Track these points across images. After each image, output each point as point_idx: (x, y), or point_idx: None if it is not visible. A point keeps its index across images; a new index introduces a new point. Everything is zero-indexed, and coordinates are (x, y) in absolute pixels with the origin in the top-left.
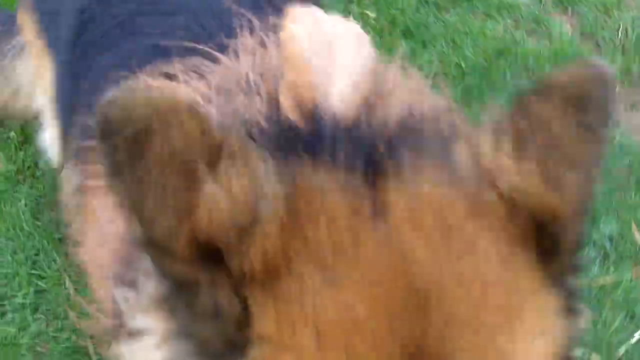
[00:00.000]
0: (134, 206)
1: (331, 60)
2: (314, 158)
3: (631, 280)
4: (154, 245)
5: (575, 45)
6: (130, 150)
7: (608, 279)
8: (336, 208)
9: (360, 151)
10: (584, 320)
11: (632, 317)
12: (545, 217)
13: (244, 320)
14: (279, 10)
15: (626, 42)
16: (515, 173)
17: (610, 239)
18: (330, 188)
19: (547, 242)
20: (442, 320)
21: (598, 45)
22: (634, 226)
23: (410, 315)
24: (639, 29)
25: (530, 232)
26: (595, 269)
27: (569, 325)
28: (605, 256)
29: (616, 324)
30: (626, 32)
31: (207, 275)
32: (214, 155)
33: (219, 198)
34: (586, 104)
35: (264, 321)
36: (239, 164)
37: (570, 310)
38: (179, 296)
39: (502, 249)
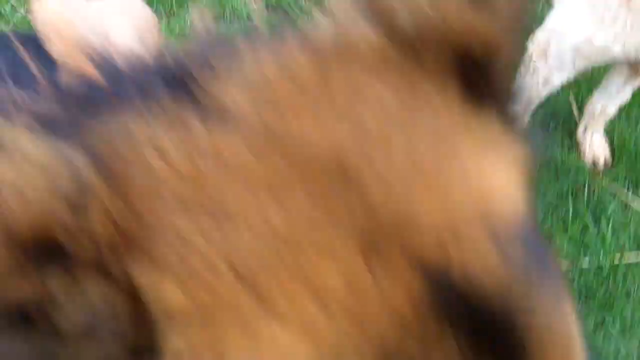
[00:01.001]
0: None
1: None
2: (122, 102)
3: None
4: None
5: None
6: None
7: None
8: (162, 138)
9: (168, 78)
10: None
11: None
12: (472, 46)
13: (138, 309)
14: None
15: None
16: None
17: None
18: (146, 124)
19: (476, 76)
20: (380, 191)
21: None
22: None
23: (338, 202)
24: None
25: (453, 69)
26: None
27: (514, 147)
28: None
29: None
30: None
31: (58, 280)
32: None
33: (26, 174)
34: None
35: (165, 294)
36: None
37: (512, 133)
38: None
39: (419, 94)
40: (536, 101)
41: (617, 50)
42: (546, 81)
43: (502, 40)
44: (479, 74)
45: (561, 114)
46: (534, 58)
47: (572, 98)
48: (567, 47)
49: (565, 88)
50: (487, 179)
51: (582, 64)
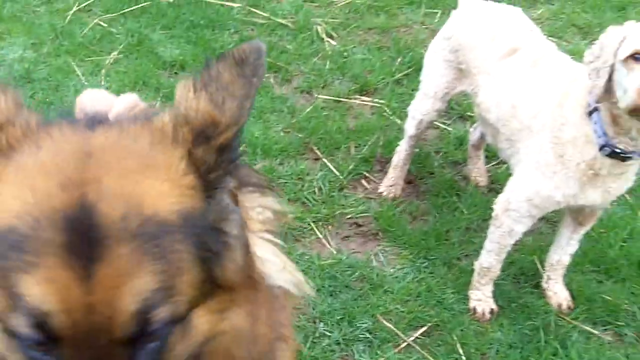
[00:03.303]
0: None
1: (109, 104)
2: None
3: None
4: None
5: None
6: None
7: None
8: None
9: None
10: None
11: None
12: (207, 125)
13: None
14: None
15: None
16: (192, 101)
17: None
18: None
19: (205, 142)
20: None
21: None
22: None
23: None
24: None
25: (187, 136)
26: None
27: (207, 201)
28: None
29: None
30: None
31: None
32: None
33: None
34: (245, 63)
35: None
36: None
37: (210, 196)
38: None
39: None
40: (505, 250)
41: (559, 197)
42: (511, 232)
43: (225, 125)
44: (208, 139)
45: (530, 271)
46: (499, 215)
47: (536, 259)
48: (522, 200)
49: (531, 251)
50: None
51: (536, 212)
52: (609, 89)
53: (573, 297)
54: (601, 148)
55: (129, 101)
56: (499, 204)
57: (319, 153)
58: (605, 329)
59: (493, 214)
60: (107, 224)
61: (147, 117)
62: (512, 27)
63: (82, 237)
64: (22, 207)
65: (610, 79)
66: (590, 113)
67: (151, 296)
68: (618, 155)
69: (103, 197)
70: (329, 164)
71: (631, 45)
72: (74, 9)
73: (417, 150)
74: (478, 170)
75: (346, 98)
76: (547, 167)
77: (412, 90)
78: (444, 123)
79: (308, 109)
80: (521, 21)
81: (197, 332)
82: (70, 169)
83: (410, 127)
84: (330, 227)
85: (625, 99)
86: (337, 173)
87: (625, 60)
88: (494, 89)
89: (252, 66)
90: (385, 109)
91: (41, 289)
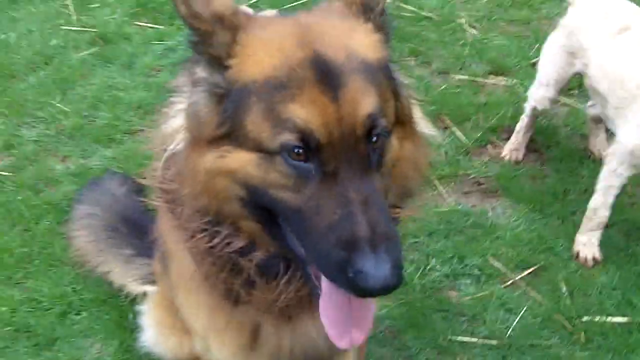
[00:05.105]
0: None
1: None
2: None
3: None
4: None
5: None
6: None
7: None
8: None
9: None
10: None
11: None
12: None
13: (231, 45)
14: None
15: None
16: None
17: None
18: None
19: (371, 10)
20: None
21: None
22: None
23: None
24: None
25: (360, 8)
26: None
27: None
28: None
29: None
30: None
31: (216, 27)
32: None
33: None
34: None
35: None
36: None
37: (386, 34)
38: (201, 49)
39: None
40: (612, 192)
41: None
42: (616, 171)
43: None
44: (369, 7)
45: None
46: (609, 156)
47: None
48: (626, 151)
49: None
50: (352, 40)
51: (636, 163)
52: None
53: None
54: None
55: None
56: (610, 149)
57: (448, 121)
58: None
59: (604, 154)
60: (338, 63)
61: (322, 5)
62: (624, 7)
63: (327, 73)
64: (277, 61)
65: None
66: None
67: (375, 109)
68: None
69: (329, 48)
70: (457, 131)
71: None
72: None
73: (545, 122)
74: (600, 142)
75: (481, 78)
76: None
77: None
78: (573, 99)
79: (442, 87)
80: (631, 3)
81: (393, 149)
82: (298, 35)
83: (527, 109)
84: (452, 184)
85: None
86: (464, 139)
87: None
88: (604, 63)
89: None
90: (519, 87)
91: (306, 110)
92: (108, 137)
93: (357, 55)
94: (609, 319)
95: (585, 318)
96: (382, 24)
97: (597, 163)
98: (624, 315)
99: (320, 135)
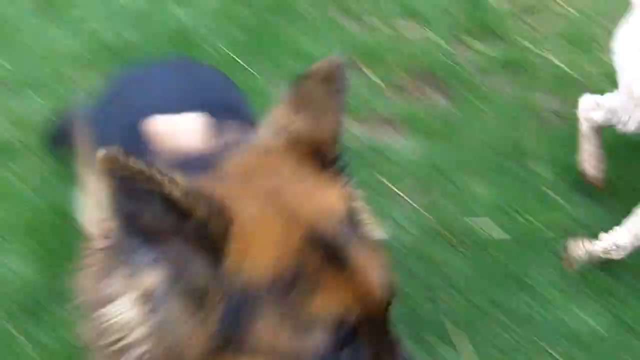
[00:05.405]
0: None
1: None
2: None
3: None
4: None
5: None
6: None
7: None
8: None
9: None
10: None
11: None
12: (318, 144)
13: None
14: None
15: None
16: (296, 123)
17: None
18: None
19: (321, 157)
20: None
21: None
22: None
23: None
24: None
25: (309, 154)
26: None
27: (343, 188)
28: None
29: None
30: None
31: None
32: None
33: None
34: (331, 79)
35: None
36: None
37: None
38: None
39: (295, 166)
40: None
41: None
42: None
43: (330, 140)
44: (323, 155)
45: None
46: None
47: None
48: None
49: None
50: (325, 197)
51: None
52: None
53: None
54: None
55: (196, 121)
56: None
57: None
58: None
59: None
60: (335, 232)
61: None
62: None
63: (331, 248)
64: (277, 252)
65: None
66: None
67: (389, 272)
68: None
69: (315, 216)
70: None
71: None
72: None
73: None
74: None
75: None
76: None
77: None
78: None
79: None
80: None
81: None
82: (277, 211)
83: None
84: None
85: None
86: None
87: None
88: None
89: (339, 81)
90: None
91: (333, 298)
92: None
93: (339, 214)
94: None
95: None
96: (338, 169)
97: None
98: None
99: (357, 315)
